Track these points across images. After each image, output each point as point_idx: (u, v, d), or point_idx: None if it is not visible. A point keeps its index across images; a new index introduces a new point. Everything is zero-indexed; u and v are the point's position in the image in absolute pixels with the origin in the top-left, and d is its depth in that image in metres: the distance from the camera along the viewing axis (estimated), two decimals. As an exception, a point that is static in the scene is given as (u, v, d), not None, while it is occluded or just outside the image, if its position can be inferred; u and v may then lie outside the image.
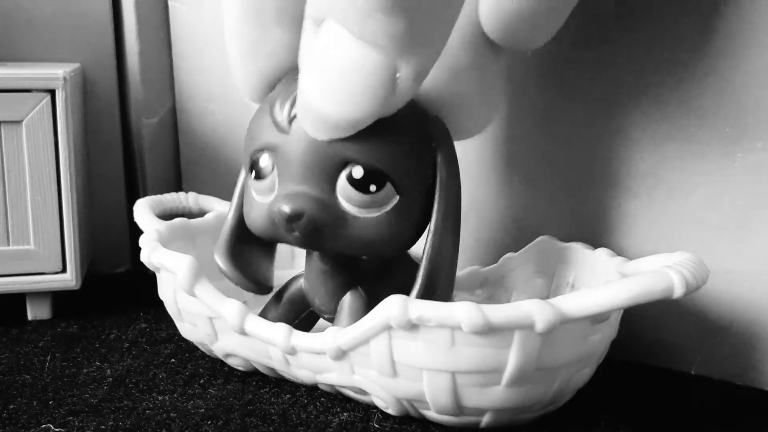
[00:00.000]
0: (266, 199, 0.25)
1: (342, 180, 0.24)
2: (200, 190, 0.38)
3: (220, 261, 0.27)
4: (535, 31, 0.25)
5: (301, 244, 0.25)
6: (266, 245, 0.28)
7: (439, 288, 0.25)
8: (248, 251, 0.28)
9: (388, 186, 0.24)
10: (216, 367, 0.30)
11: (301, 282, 0.28)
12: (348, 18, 0.21)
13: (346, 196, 0.24)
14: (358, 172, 0.23)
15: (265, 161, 0.25)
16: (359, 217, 0.24)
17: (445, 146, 0.25)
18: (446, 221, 0.25)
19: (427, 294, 0.24)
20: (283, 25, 0.25)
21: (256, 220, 0.25)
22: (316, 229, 0.24)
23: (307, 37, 0.22)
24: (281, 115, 0.24)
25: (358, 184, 0.23)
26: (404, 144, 0.24)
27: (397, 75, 0.21)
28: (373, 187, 0.23)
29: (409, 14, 0.20)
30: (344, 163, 0.23)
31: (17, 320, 0.35)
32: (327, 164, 0.24)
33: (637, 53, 0.29)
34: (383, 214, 0.24)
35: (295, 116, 0.24)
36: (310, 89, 0.22)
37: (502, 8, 0.24)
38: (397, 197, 0.24)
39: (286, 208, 0.24)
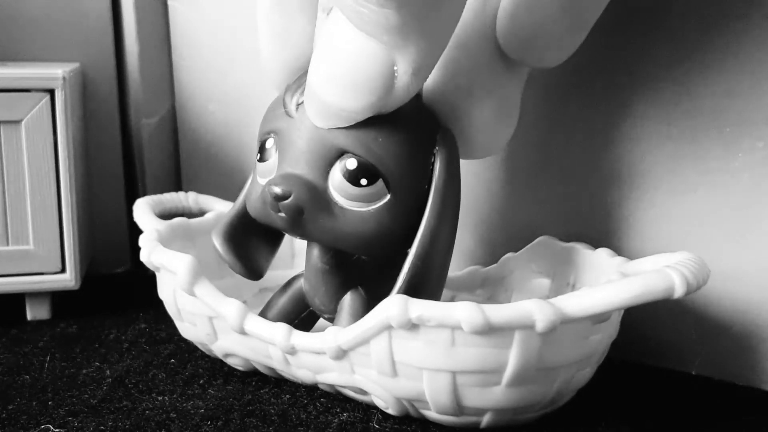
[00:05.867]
0: (266, 180, 0.25)
1: (336, 170, 0.24)
2: (200, 190, 0.38)
3: (216, 241, 0.27)
4: (554, 49, 0.25)
5: (286, 227, 0.25)
6: (268, 234, 0.28)
7: (426, 290, 0.24)
8: (248, 236, 0.28)
9: (380, 183, 0.24)
10: (216, 367, 0.30)
11: (301, 282, 0.28)
12: (347, 7, 0.21)
13: (337, 186, 0.24)
14: (351, 163, 0.24)
15: (270, 144, 0.25)
16: (346, 209, 0.24)
17: (448, 155, 0.25)
18: (441, 225, 0.24)
19: (409, 293, 0.24)
20: (307, 16, 0.25)
21: (254, 201, 0.26)
22: (301, 212, 0.24)
23: (319, 25, 0.23)
24: (290, 101, 0.25)
25: (350, 176, 0.24)
26: (405, 145, 0.24)
27: (395, 68, 0.21)
28: (364, 181, 0.24)
29: (404, 6, 0.20)
30: (340, 153, 0.24)
31: (16, 320, 0.35)
32: (324, 151, 0.24)
33: (637, 53, 0.29)
34: (371, 210, 0.24)
35: (302, 102, 0.24)
36: (314, 76, 0.23)
37: (519, 26, 0.24)
38: (388, 196, 0.24)
39: (276, 188, 0.24)
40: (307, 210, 0.24)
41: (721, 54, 0.27)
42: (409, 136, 0.24)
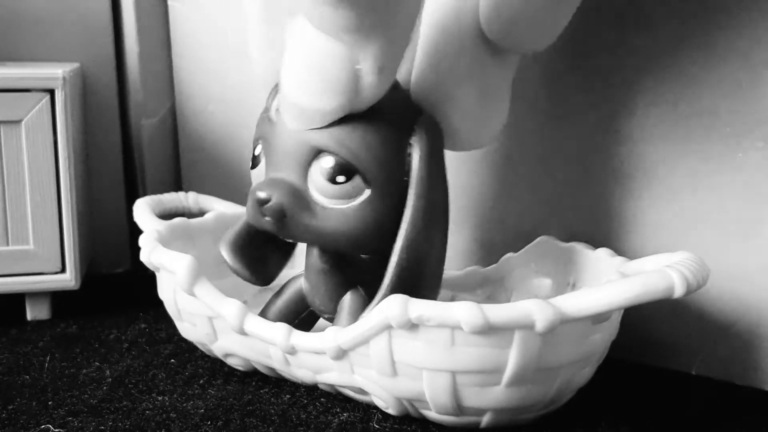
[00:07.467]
0: None
1: (313, 169, 0.24)
2: (200, 190, 0.38)
3: (223, 249, 0.27)
4: (537, 34, 0.25)
5: (273, 230, 0.25)
6: (281, 241, 0.28)
7: (422, 286, 0.25)
8: (260, 244, 0.28)
9: (357, 178, 0.24)
10: (216, 367, 0.30)
11: (301, 282, 0.28)
12: (306, 9, 0.21)
13: (315, 185, 0.24)
14: (327, 161, 0.24)
15: (258, 150, 0.26)
16: (327, 208, 0.24)
17: (426, 142, 0.25)
18: (424, 217, 0.25)
19: (397, 290, 0.24)
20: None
21: (247, 208, 0.26)
22: (284, 214, 0.24)
23: (287, 30, 0.23)
24: (272, 106, 0.25)
25: (327, 174, 0.24)
26: (380, 139, 0.24)
27: (357, 67, 0.22)
28: (341, 178, 0.24)
29: (358, 6, 0.20)
30: (316, 153, 0.24)
31: (16, 320, 0.34)
32: (301, 152, 0.24)
33: (637, 55, 0.29)
34: (352, 206, 0.24)
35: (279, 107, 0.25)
36: (285, 80, 0.23)
37: (502, 10, 0.24)
38: (368, 191, 0.24)
39: (260, 192, 0.24)
40: (288, 211, 0.24)
41: (721, 54, 0.27)
42: (383, 129, 0.24)
